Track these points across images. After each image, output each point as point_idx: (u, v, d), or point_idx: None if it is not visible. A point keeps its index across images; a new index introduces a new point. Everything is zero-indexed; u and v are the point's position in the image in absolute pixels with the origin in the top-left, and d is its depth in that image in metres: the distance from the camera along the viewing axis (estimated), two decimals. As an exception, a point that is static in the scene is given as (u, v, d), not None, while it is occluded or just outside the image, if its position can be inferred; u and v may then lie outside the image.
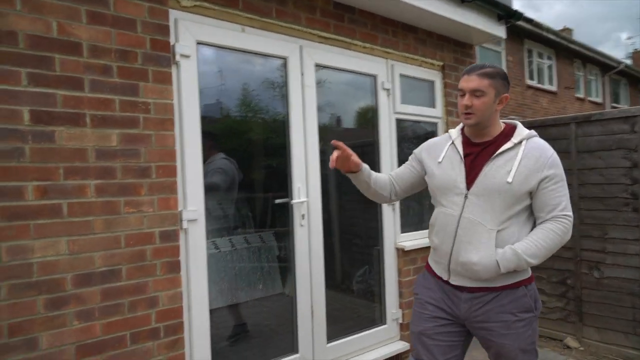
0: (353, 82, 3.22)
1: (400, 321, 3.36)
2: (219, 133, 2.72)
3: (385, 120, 3.30)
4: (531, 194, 1.73)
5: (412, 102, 3.51)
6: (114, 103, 2.02)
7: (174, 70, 2.23)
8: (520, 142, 1.75)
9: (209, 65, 2.50)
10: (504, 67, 11.33)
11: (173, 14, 2.25)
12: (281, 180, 2.75)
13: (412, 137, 3.62)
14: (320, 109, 2.89)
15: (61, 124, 1.89)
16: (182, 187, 2.24)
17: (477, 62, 3.93)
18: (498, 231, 1.71)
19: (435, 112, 3.67)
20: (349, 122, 3.46)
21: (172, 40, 2.23)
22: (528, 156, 1.72)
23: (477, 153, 1.78)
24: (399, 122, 3.43)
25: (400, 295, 3.37)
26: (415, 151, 2.06)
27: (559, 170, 1.74)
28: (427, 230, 3.65)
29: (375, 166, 3.26)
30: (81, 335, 1.89)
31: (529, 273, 1.81)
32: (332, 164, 1.86)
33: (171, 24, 2.23)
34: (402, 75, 3.40)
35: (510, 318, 1.74)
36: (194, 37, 2.30)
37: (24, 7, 1.82)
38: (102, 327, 1.94)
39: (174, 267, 2.16)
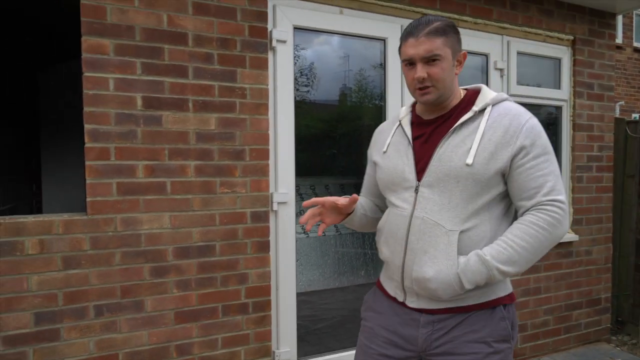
0: (466, 63, 2.96)
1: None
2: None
3: (497, 104, 2.99)
4: (504, 177, 1.25)
5: (530, 82, 3.12)
6: (213, 89, 2.14)
7: (270, 55, 2.28)
8: (483, 110, 1.27)
9: (305, 49, 2.50)
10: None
11: (271, 0, 2.28)
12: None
13: (529, 122, 3.23)
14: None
15: (168, 108, 2.06)
16: (274, 170, 2.31)
17: (619, 34, 3.33)
18: (461, 232, 1.23)
19: (560, 94, 3.23)
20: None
21: (269, 26, 2.27)
22: (494, 126, 1.24)
23: (430, 133, 1.32)
24: (514, 105, 3.08)
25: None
26: (368, 150, 1.58)
27: (541, 139, 1.24)
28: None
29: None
30: (179, 302, 2.09)
31: (509, 288, 1.34)
32: (307, 227, 1.37)
33: (269, 10, 2.27)
34: (519, 53, 3.04)
35: (483, 349, 1.25)
36: (290, 22, 2.32)
37: (140, 3, 2.00)
38: (197, 297, 2.12)
39: (264, 247, 2.25)
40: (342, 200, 1.38)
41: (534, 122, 1.25)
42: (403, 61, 1.30)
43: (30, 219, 1.86)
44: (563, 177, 3.28)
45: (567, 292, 3.26)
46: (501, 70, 2.98)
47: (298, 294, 2.42)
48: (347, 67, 2.65)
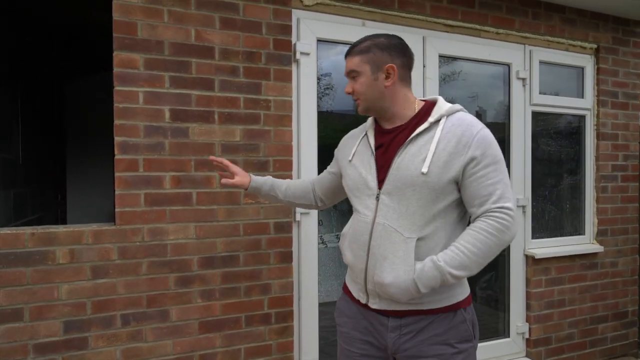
0: (482, 73, 2.96)
1: (527, 336, 3.04)
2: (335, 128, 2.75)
3: (520, 114, 2.98)
4: (458, 185, 1.33)
5: (553, 92, 3.10)
6: (239, 101, 2.18)
7: (294, 68, 2.31)
8: (438, 121, 1.35)
9: (328, 61, 2.52)
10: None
11: (296, 13, 2.32)
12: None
13: (552, 132, 3.20)
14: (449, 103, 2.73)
15: (194, 120, 2.10)
16: (297, 181, 2.33)
17: (644, 43, 3.29)
18: (418, 239, 1.31)
19: (583, 103, 3.19)
20: (479, 117, 3.20)
21: (293, 39, 2.30)
22: (448, 136, 1.32)
23: (389, 142, 1.41)
24: (536, 115, 3.06)
25: (528, 307, 3.05)
26: (335, 151, 1.69)
27: (491, 149, 1.31)
28: (565, 238, 3.31)
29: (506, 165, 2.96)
30: (204, 312, 2.11)
31: (467, 292, 1.43)
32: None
33: (293, 23, 2.31)
34: (542, 62, 3.01)
35: (447, 350, 1.35)
36: (314, 35, 2.35)
37: (170, 19, 2.05)
38: (221, 307, 2.13)
39: (286, 257, 2.26)
40: (237, 177, 1.71)
41: (485, 132, 1.34)
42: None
43: (61, 229, 1.91)
44: (587, 187, 3.23)
45: (592, 304, 3.19)
46: (523, 79, 2.96)
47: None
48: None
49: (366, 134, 1.50)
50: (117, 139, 1.98)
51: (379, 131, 1.47)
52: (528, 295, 3.05)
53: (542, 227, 3.17)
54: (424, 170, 1.30)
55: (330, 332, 2.62)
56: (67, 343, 1.90)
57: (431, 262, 1.29)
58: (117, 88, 1.97)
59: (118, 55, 1.97)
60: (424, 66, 2.63)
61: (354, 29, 2.44)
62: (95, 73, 4.46)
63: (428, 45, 2.63)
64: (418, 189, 1.31)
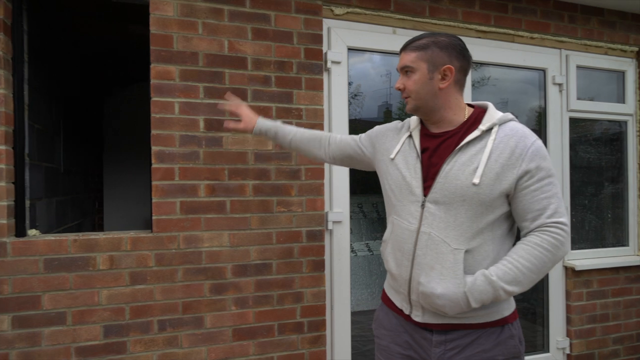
0: (513, 78, 2.90)
1: (568, 351, 2.92)
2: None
3: (556, 120, 2.89)
4: (509, 198, 1.28)
5: (591, 97, 3.00)
6: (271, 110, 2.20)
7: (325, 76, 2.33)
8: (490, 130, 1.29)
9: (356, 68, 2.53)
10: None
11: (327, 22, 2.34)
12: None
13: (591, 139, 3.09)
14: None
15: (228, 130, 2.14)
16: (328, 189, 2.33)
17: (690, 44, 3.15)
18: (466, 252, 1.26)
19: (624, 109, 3.07)
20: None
21: (324, 48, 2.32)
22: (500, 147, 1.26)
23: (436, 147, 1.34)
24: (573, 121, 2.97)
25: (569, 321, 2.93)
26: (371, 132, 1.60)
27: (545, 162, 1.26)
28: (607, 249, 3.17)
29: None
30: (237, 319, 2.12)
31: (513, 306, 1.36)
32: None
33: (324, 32, 2.33)
34: (579, 67, 2.93)
35: None
36: (345, 43, 2.36)
37: (204, 31, 2.10)
38: (254, 315, 2.15)
39: (319, 266, 2.26)
40: (242, 123, 1.72)
41: (539, 144, 1.28)
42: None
43: (101, 235, 1.97)
44: (630, 196, 3.09)
45: (639, 320, 3.04)
46: (560, 85, 2.88)
47: (351, 314, 2.40)
48: (389, 84, 2.65)
49: (411, 134, 1.42)
50: (154, 148, 2.03)
51: (424, 134, 1.39)
52: (568, 309, 2.93)
53: (582, 237, 3.05)
54: (476, 181, 1.24)
55: (361, 342, 2.59)
56: (107, 347, 1.95)
57: (483, 277, 1.24)
58: (153, 99, 2.03)
59: (155, 67, 2.03)
60: (456, 73, 2.59)
61: (385, 37, 2.44)
62: (131, 84, 4.62)
63: (460, 51, 2.59)
64: (468, 200, 1.26)
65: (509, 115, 1.33)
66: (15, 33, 1.94)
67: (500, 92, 2.88)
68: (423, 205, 1.32)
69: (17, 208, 1.93)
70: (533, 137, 1.29)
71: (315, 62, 2.27)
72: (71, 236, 1.94)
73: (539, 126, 2.93)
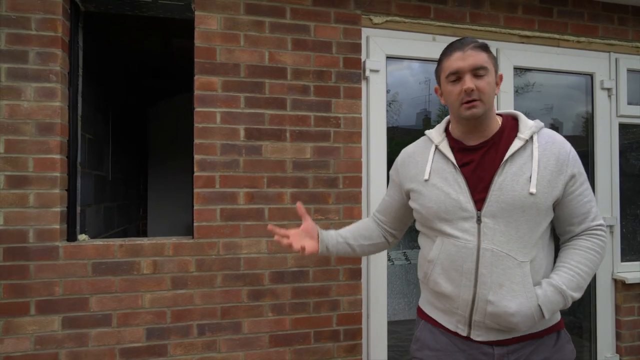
0: (558, 84, 2.80)
1: (617, 369, 2.77)
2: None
3: (605, 126, 2.77)
4: (554, 205, 1.29)
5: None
6: (309, 119, 2.23)
7: (363, 85, 2.33)
8: (531, 138, 1.29)
9: (396, 77, 2.52)
10: None
11: (365, 32, 2.34)
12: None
13: (643, 145, 2.94)
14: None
15: (267, 139, 2.18)
16: (366, 197, 2.32)
17: None
18: (531, 262, 1.25)
19: (680, 114, 2.90)
20: (555, 130, 3.02)
21: (363, 57, 2.33)
22: (546, 154, 1.26)
23: (479, 160, 1.30)
24: (624, 127, 2.83)
25: (618, 337, 2.78)
26: (391, 172, 1.54)
27: (581, 167, 1.31)
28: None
29: (589, 181, 2.77)
30: (274, 326, 2.14)
31: (559, 313, 1.37)
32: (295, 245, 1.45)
33: (363, 41, 2.33)
34: (630, 71, 2.79)
35: None
36: (383, 52, 2.36)
37: (245, 43, 2.16)
38: (291, 322, 2.16)
39: (356, 274, 2.25)
40: (307, 244, 1.46)
41: (573, 149, 1.32)
42: (448, 76, 1.30)
43: (145, 241, 2.04)
44: (687, 207, 2.91)
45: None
46: (609, 89, 2.76)
47: (388, 324, 2.37)
48: (428, 91, 2.62)
49: (437, 149, 1.37)
50: (197, 157, 2.09)
51: (458, 147, 1.34)
52: (618, 324, 2.78)
53: (634, 249, 2.89)
54: (533, 190, 1.23)
55: (398, 352, 2.55)
56: (149, 349, 2.02)
57: (553, 287, 1.24)
58: (197, 109, 2.10)
59: (199, 79, 2.10)
60: (497, 79, 2.54)
61: (424, 45, 2.42)
62: (173, 96, 4.78)
63: (502, 57, 2.54)
64: (527, 210, 1.23)
65: (541, 122, 1.33)
66: (71, 49, 2.05)
67: (545, 98, 2.78)
68: (479, 221, 1.26)
69: (69, 214, 2.04)
70: (567, 142, 1.32)
71: (353, 71, 2.28)
72: (118, 241, 2.02)
73: (586, 132, 2.81)
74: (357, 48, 2.29)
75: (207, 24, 2.11)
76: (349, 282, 2.24)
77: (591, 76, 2.76)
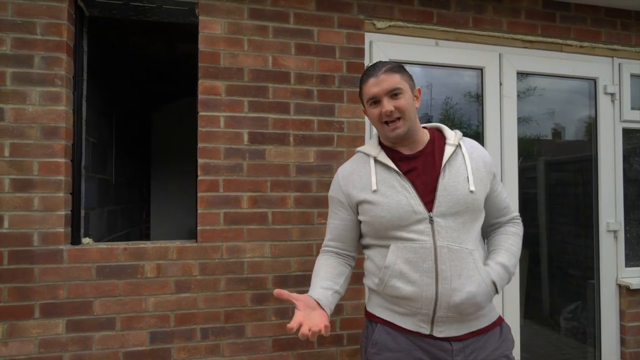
0: (560, 88, 2.80)
1: (622, 375, 2.75)
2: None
3: (608, 131, 2.77)
4: (485, 200, 1.49)
5: (644, 106, 2.86)
6: (312, 123, 2.23)
7: (366, 89, 2.33)
8: (459, 144, 1.47)
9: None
10: None
11: (368, 36, 2.35)
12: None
13: (647, 150, 2.94)
14: (524, 120, 2.62)
15: (270, 143, 2.18)
16: (369, 202, 2.32)
17: None
18: (476, 250, 1.42)
19: (684, 119, 2.90)
20: (558, 134, 3.02)
21: (366, 61, 2.33)
22: (473, 157, 1.46)
23: (421, 166, 1.43)
24: (627, 132, 2.83)
25: (623, 342, 2.77)
26: (332, 193, 1.55)
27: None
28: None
29: (593, 186, 2.77)
30: (277, 330, 2.14)
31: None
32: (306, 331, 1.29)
33: (366, 46, 2.34)
34: (633, 76, 2.79)
35: None
36: (386, 56, 2.36)
37: (249, 47, 2.17)
38: (294, 326, 2.16)
39: (359, 278, 2.24)
40: (318, 320, 1.32)
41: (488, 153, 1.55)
42: (367, 101, 1.44)
43: (149, 244, 2.05)
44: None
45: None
46: (612, 94, 2.76)
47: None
48: (430, 95, 2.62)
49: (377, 161, 1.44)
50: (200, 160, 2.10)
51: (398, 157, 1.45)
52: (623, 330, 2.77)
53: (638, 254, 2.88)
54: (472, 188, 1.40)
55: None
56: (152, 353, 2.02)
57: (499, 265, 1.44)
58: (201, 113, 2.10)
59: (203, 83, 2.11)
60: (500, 84, 2.54)
61: (427, 49, 2.43)
62: (177, 100, 4.80)
63: (505, 62, 2.54)
64: (470, 206, 1.39)
65: (458, 131, 1.51)
66: (76, 53, 2.07)
67: (547, 103, 2.79)
68: (431, 221, 1.37)
69: (73, 217, 2.05)
70: (483, 148, 1.58)
71: (357, 76, 2.29)
72: (122, 245, 2.03)
73: (589, 137, 2.81)
74: (360, 53, 2.30)
75: (211, 29, 2.13)
76: (352, 286, 2.23)
77: (594, 81, 2.76)
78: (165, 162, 4.91)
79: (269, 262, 2.15)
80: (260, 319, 2.12)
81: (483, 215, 1.48)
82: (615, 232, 2.76)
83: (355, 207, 1.48)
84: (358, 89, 2.27)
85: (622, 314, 2.78)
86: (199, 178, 2.10)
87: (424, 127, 1.53)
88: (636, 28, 2.77)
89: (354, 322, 2.23)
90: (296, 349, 2.16)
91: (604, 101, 2.76)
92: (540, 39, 2.60)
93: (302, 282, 2.17)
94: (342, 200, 1.51)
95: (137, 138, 4.11)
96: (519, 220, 1.60)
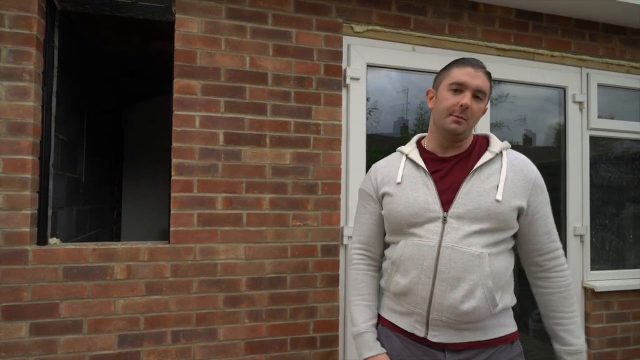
0: (531, 95, 2.88)
1: (586, 375, 2.83)
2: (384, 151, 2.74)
3: (576, 138, 2.86)
4: (519, 218, 1.36)
5: (613, 116, 2.96)
6: (289, 125, 2.23)
7: (343, 92, 2.35)
8: (500, 153, 1.38)
9: (376, 84, 2.54)
10: None
11: (346, 40, 2.36)
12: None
13: (612, 158, 3.04)
14: (496, 125, 2.68)
15: (246, 144, 2.16)
16: (344, 204, 2.33)
17: None
18: (489, 254, 1.29)
19: (647, 128, 3.02)
20: (528, 140, 3.10)
21: (344, 64, 2.34)
22: (513, 169, 1.36)
23: (450, 168, 1.38)
24: (594, 140, 2.93)
25: (588, 344, 2.85)
26: (363, 186, 1.54)
27: (545, 189, 1.40)
28: (629, 270, 3.09)
29: (561, 191, 2.85)
30: (250, 333, 2.12)
31: (515, 323, 1.41)
32: None
33: (344, 49, 2.35)
34: (600, 85, 2.90)
35: None
36: (364, 60, 2.38)
37: (226, 47, 2.15)
38: (267, 329, 2.14)
39: (333, 280, 2.25)
40: None
41: (539, 173, 1.41)
42: (451, 84, 1.34)
43: (119, 245, 2.00)
44: (653, 218, 3.03)
45: (661, 345, 2.94)
46: (580, 103, 2.85)
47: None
48: (406, 99, 2.65)
49: (407, 157, 1.44)
50: (174, 160, 2.06)
51: (430, 158, 1.42)
52: (587, 331, 2.86)
53: (602, 258, 2.98)
54: (499, 197, 1.30)
55: (375, 360, 2.55)
56: (121, 356, 1.97)
57: (581, 355, 1.37)
58: (175, 112, 2.07)
59: (178, 82, 2.07)
60: (474, 90, 2.59)
61: (404, 54, 2.46)
62: (151, 98, 4.71)
63: (479, 69, 2.59)
64: (494, 216, 1.30)
65: (508, 143, 1.42)
66: (46, 48, 2.00)
67: (519, 109, 2.86)
68: (445, 221, 1.32)
69: (40, 216, 1.98)
70: (534, 166, 1.42)
71: (334, 78, 2.30)
72: (91, 245, 1.97)
73: (558, 144, 2.90)
74: (338, 56, 2.31)
75: (188, 27, 2.10)
76: (326, 288, 2.23)
77: (564, 90, 2.85)
78: (138, 161, 4.81)
79: (242, 264, 2.13)
80: (233, 322, 2.10)
81: (513, 229, 1.35)
82: (581, 236, 2.85)
83: (381, 199, 1.46)
84: (337, 92, 2.30)
85: (587, 316, 2.86)
86: (172, 178, 2.06)
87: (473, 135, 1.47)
88: (603, 39, 2.87)
89: (327, 325, 2.23)
90: (269, 351, 2.14)
91: (572, 109, 2.85)
92: (513, 47, 2.67)
93: (276, 285, 2.16)
94: (371, 193, 1.50)
95: (110, 136, 4.01)
96: (566, 267, 1.40)
